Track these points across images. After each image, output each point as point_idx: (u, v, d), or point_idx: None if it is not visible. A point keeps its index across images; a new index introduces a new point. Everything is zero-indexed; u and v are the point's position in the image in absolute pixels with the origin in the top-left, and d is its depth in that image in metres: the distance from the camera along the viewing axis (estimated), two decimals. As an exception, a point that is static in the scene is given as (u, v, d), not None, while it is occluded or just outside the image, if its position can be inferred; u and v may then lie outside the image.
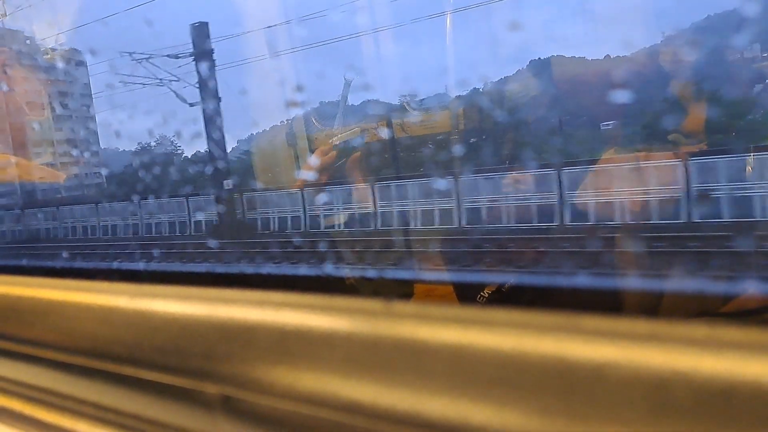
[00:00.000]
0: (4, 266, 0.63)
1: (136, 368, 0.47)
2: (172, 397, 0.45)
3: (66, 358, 0.51)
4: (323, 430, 0.38)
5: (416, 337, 0.34)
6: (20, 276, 0.56)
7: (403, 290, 0.74)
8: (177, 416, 0.45)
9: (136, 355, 0.47)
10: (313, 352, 0.38)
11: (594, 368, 0.28)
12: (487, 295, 0.72)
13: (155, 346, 0.46)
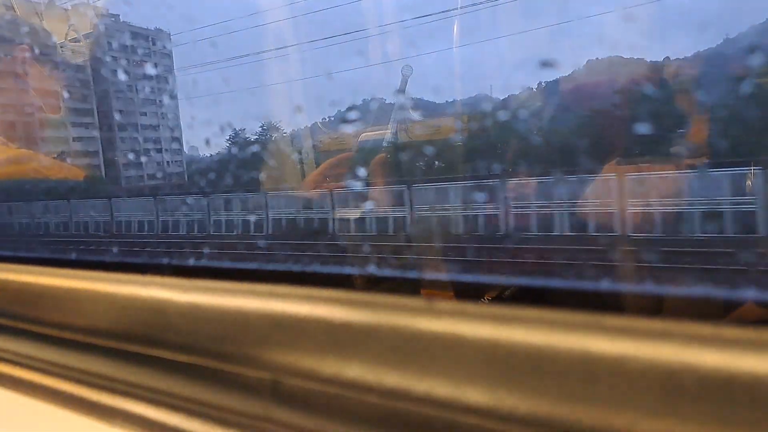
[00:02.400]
0: (57, 259, 0.67)
1: (190, 355, 0.52)
2: (225, 381, 0.50)
3: (123, 346, 0.56)
4: (367, 413, 0.42)
5: (454, 332, 0.38)
6: (77, 269, 0.61)
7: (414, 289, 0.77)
8: (229, 399, 0.50)
9: (190, 343, 0.52)
10: (358, 343, 0.42)
11: (615, 360, 0.33)
12: (488, 300, 0.75)
13: (209, 335, 0.51)
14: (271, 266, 0.52)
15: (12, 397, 0.64)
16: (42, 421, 0.61)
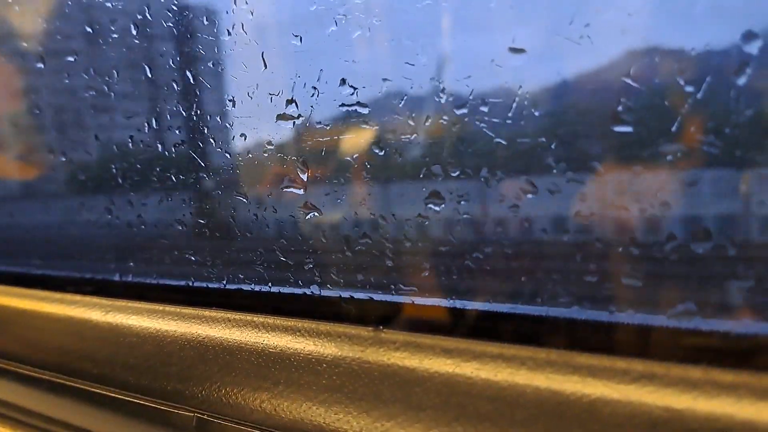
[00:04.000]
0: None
1: (106, 386, 0.45)
2: (144, 418, 0.43)
3: (32, 373, 0.49)
4: (303, 459, 0.36)
5: (406, 368, 0.33)
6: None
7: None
8: (148, 439, 0.43)
9: (107, 372, 0.45)
10: (295, 378, 0.37)
11: (587, 405, 0.28)
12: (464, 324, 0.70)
13: (128, 365, 0.44)
14: (200, 284, 0.45)
15: None
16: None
